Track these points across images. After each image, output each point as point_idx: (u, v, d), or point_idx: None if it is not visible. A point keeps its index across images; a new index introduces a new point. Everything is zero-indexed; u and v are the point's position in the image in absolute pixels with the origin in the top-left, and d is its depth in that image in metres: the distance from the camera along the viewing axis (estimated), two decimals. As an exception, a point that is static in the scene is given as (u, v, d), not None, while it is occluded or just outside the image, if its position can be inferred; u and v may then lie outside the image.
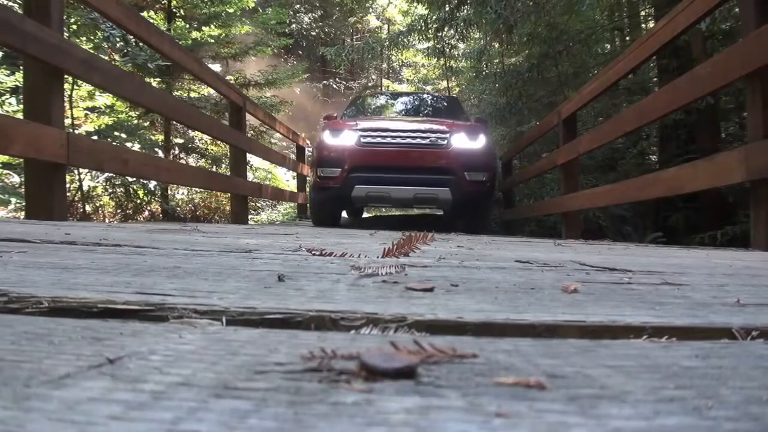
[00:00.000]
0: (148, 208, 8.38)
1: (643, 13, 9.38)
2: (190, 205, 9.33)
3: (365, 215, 10.80)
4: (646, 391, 0.40)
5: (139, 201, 8.08)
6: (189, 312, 0.63)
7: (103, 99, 7.61)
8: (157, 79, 8.31)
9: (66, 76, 3.46)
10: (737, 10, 5.03)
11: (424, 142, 5.28)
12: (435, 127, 5.48)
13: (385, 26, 25.28)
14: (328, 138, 5.46)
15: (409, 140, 5.28)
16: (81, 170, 6.59)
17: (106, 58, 6.89)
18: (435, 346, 0.46)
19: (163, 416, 0.32)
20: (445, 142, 5.30)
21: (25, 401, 0.34)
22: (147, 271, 0.93)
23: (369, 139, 5.28)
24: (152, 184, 7.83)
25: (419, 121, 5.84)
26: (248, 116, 6.93)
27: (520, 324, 0.63)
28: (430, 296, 0.78)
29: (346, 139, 5.35)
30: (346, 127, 5.49)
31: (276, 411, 0.34)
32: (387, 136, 5.30)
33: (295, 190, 10.04)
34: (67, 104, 6.13)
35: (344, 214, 9.06)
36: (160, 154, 8.34)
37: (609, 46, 10.13)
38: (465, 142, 5.36)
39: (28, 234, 1.59)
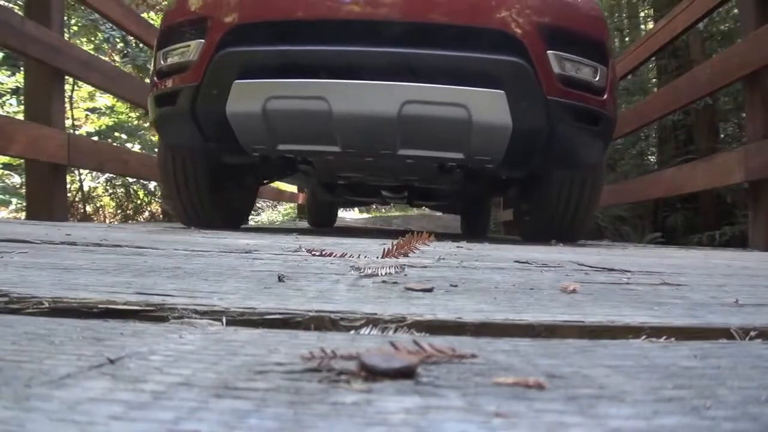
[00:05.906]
0: (149, 208, 8.38)
1: (642, 14, 9.38)
2: (190, 206, 9.30)
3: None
4: (645, 390, 0.40)
5: (139, 201, 8.08)
6: (189, 312, 0.63)
7: (104, 100, 7.62)
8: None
9: (66, 77, 3.47)
10: (736, 11, 5.04)
11: None
12: None
13: (385, 27, 25.27)
14: None
15: None
16: (81, 171, 6.59)
17: (107, 59, 6.89)
18: (434, 347, 0.47)
19: (163, 416, 0.32)
20: None
21: (25, 401, 0.34)
22: (147, 272, 0.93)
23: None
24: (152, 184, 7.83)
25: None
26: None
27: (519, 324, 0.63)
28: (430, 296, 0.78)
29: None
30: None
31: (276, 411, 0.34)
32: None
33: (295, 191, 10.03)
34: (67, 105, 6.13)
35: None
36: (160, 154, 8.33)
37: (608, 47, 10.12)
38: None
39: (29, 234, 1.59)
